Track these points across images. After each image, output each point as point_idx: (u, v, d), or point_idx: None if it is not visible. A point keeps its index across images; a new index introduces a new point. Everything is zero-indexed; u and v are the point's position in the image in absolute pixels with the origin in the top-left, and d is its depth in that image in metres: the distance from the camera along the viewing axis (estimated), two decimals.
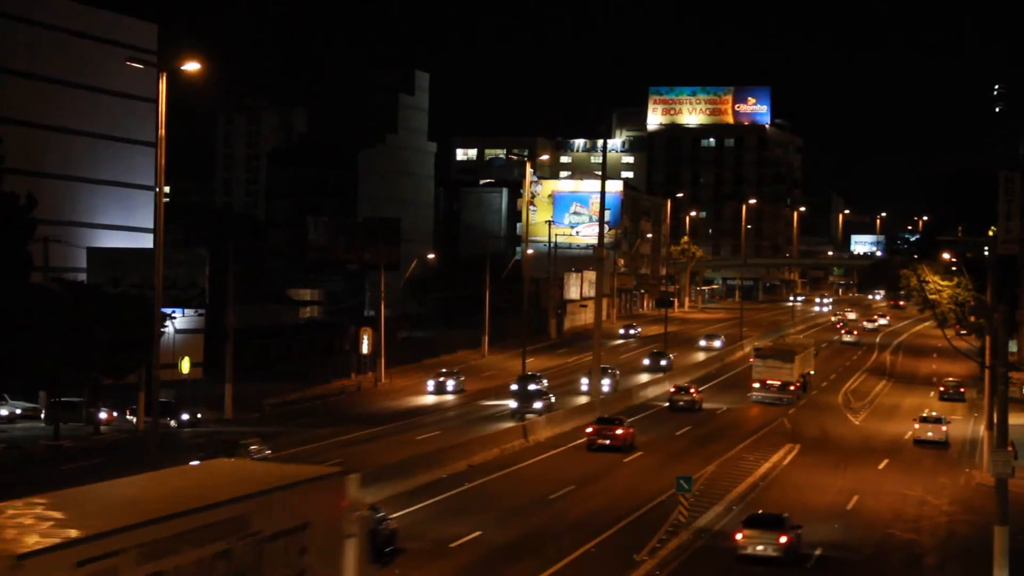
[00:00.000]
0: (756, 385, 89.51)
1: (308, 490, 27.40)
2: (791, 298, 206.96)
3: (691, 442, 71.12)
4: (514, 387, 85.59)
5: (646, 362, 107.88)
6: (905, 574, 43.58)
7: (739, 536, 43.51)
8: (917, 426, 72.99)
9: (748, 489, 56.75)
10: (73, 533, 21.00)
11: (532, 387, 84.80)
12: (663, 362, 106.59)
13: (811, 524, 50.08)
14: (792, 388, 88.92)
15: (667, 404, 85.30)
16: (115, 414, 76.43)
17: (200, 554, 22.85)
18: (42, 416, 76.88)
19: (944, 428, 72.31)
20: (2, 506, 22.87)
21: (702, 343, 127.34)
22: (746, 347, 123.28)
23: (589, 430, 67.75)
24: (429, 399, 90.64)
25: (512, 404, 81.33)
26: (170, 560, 22.09)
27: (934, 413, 76.85)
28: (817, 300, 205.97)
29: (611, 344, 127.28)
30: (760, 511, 46.92)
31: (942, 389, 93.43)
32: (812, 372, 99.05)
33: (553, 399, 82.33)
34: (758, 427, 76.81)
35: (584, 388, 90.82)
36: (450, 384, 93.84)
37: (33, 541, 20.30)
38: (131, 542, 21.34)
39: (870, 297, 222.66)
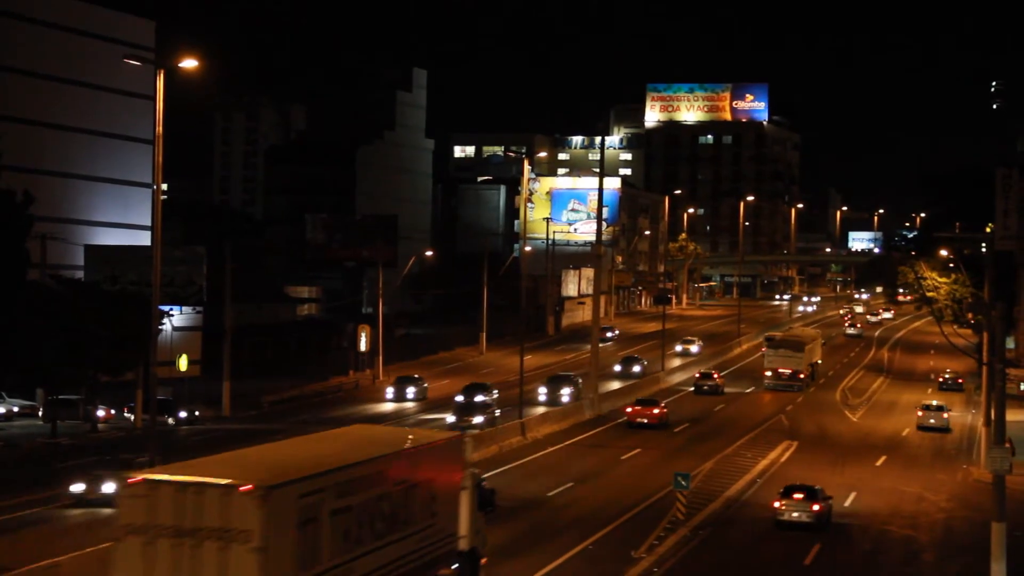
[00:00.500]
0: (768, 374, 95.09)
1: (439, 450, 34.13)
2: (777, 297, 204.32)
3: (688, 440, 71.15)
4: (459, 398, 78.78)
5: (617, 368, 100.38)
6: (903, 570, 43.61)
7: (777, 504, 48.19)
8: (920, 413, 77.28)
9: (746, 486, 56.80)
10: (292, 474, 26.71)
11: (479, 398, 78.20)
12: (636, 368, 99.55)
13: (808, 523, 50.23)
14: (802, 376, 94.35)
15: (691, 389, 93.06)
16: (113, 412, 76.47)
17: (370, 495, 29.28)
18: (40, 414, 76.87)
19: (945, 415, 76.44)
20: (223, 456, 31.60)
21: (678, 348, 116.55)
22: (744, 344, 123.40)
23: (629, 410, 75.85)
24: (387, 406, 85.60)
25: (450, 418, 73.24)
26: (353, 498, 28.49)
27: (935, 402, 79.90)
28: (805, 299, 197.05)
29: (586, 347, 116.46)
30: (796, 483, 50.63)
31: (941, 380, 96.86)
32: (819, 361, 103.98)
33: (498, 412, 74.74)
34: (757, 423, 76.82)
35: (542, 398, 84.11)
36: (410, 391, 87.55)
37: (269, 477, 25.97)
38: (331, 482, 27.57)
39: (856, 296, 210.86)
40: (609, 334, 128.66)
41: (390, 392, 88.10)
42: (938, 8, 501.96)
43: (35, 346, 67.92)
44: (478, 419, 71.47)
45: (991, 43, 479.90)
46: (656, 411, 74.90)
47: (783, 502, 48.09)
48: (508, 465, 61.36)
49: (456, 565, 34.18)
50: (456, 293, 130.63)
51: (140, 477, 26.63)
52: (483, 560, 36.15)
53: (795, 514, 47.71)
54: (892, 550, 46.33)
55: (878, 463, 65.29)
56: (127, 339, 70.32)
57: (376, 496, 29.71)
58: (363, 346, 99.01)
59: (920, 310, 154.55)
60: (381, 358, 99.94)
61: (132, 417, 76.26)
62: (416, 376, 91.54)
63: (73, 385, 74.49)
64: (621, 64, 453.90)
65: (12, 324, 67.57)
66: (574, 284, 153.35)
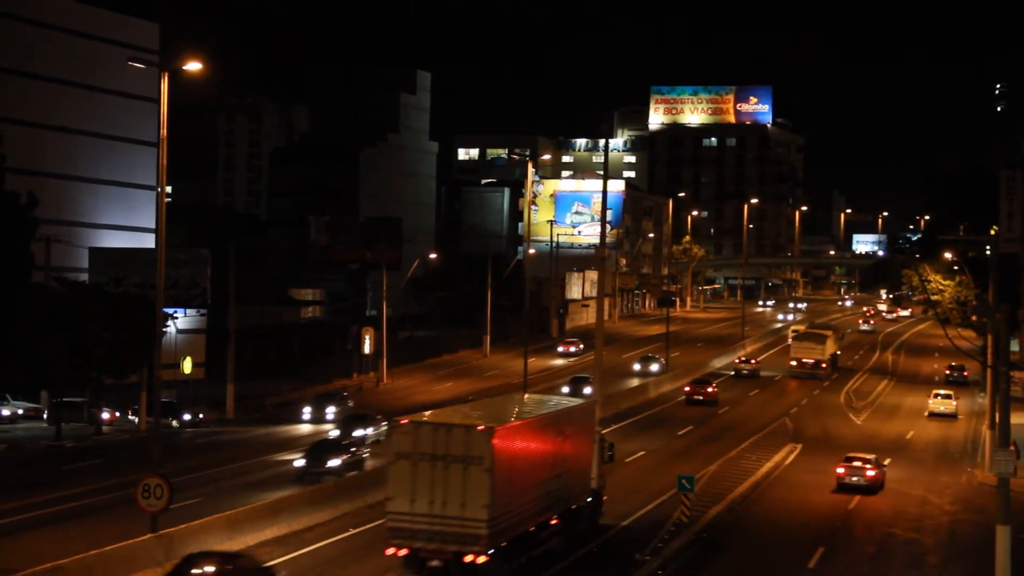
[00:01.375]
0: (793, 363, 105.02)
1: (583, 411, 46.56)
2: (760, 303, 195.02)
3: (692, 443, 71.14)
4: (333, 433, 67.45)
5: (565, 390, 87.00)
6: (907, 573, 43.55)
7: (840, 470, 57.03)
8: (931, 401, 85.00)
9: (750, 489, 56.77)
10: (505, 420, 39.06)
11: (358, 432, 65.97)
12: (586, 389, 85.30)
13: (814, 524, 50.21)
14: (824, 365, 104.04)
15: (732, 373, 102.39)
16: (117, 414, 76.49)
17: (552, 434, 41.78)
18: (44, 416, 76.87)
19: (954, 403, 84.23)
20: (455, 407, 48.29)
21: (636, 367, 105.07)
22: (748, 347, 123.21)
23: (687, 389, 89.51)
24: (304, 428, 76.66)
25: (298, 462, 57.37)
26: (544, 435, 41.21)
27: (944, 391, 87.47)
28: (791, 305, 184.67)
29: (547, 364, 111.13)
30: (855, 453, 60.31)
31: (947, 372, 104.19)
32: (839, 353, 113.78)
33: (366, 454, 59.42)
34: (759, 427, 76.80)
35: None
36: (330, 411, 78.30)
37: (493, 422, 37.78)
38: (526, 426, 40.22)
39: (839, 304, 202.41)
40: (573, 349, 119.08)
41: (307, 412, 79.40)
42: (942, 10, 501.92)
43: (39, 348, 67.98)
44: (334, 462, 56.29)
45: (996, 45, 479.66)
46: (710, 389, 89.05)
47: (846, 467, 56.97)
48: None
49: (590, 499, 46.09)
50: (460, 295, 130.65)
51: (407, 420, 37.85)
52: (604, 497, 48.01)
53: (854, 478, 56.49)
54: (897, 553, 46.25)
55: (884, 464, 65.21)
56: (131, 341, 70.35)
57: (549, 440, 41.67)
58: (367, 348, 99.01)
59: (926, 313, 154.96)
60: (385, 360, 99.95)
61: (136, 420, 76.27)
62: (342, 393, 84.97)
63: (77, 387, 74.53)
64: (625, 67, 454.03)
65: (16, 326, 67.62)
66: (578, 287, 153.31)
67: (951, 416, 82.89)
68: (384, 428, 67.74)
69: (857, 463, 57.29)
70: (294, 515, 46.32)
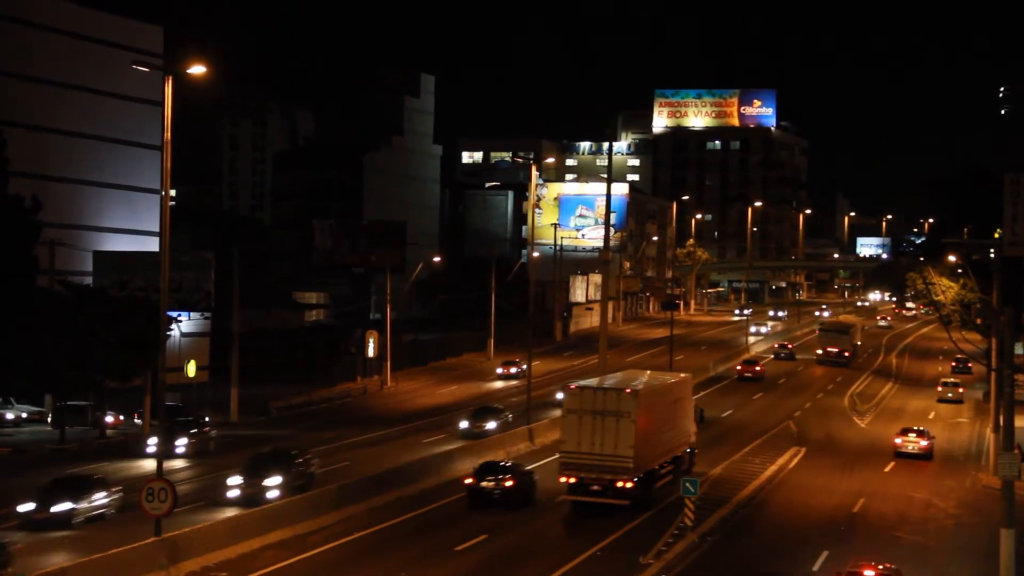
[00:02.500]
0: (819, 352, 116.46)
1: (687, 382, 63.34)
2: (736, 311, 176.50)
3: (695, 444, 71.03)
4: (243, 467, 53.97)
5: (463, 425, 73.87)
6: None
7: (898, 440, 68.18)
8: (939, 388, 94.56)
9: (754, 492, 56.74)
10: (641, 386, 54.21)
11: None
12: (490, 424, 73.24)
13: (818, 527, 50.18)
14: (846, 354, 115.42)
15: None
16: (122, 418, 76.45)
17: (670, 399, 57.32)
18: (48, 420, 76.84)
19: (960, 390, 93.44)
20: (605, 376, 62.93)
21: (462, 425, 74.15)
22: (752, 351, 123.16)
23: (738, 367, 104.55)
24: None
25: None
26: (662, 401, 55.88)
27: (952, 379, 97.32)
28: (771, 313, 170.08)
29: (486, 387, 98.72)
30: (909, 426, 71.37)
31: (953, 364, 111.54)
32: (859, 343, 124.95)
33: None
34: (759, 432, 76.72)
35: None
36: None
37: (636, 386, 53.34)
38: (656, 391, 55.56)
39: (816, 314, 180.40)
40: (515, 370, 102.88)
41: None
42: (948, 14, 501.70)
43: (43, 352, 67.97)
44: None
45: (1001, 48, 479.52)
46: (758, 368, 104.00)
47: (902, 439, 67.89)
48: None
49: (688, 450, 60.67)
50: (464, 299, 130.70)
51: (575, 385, 53.40)
52: (696, 451, 62.16)
53: (909, 447, 67.27)
54: (902, 556, 46.20)
55: (887, 469, 65.19)
56: (135, 345, 70.33)
57: (672, 400, 57.76)
58: (371, 352, 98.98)
59: (917, 319, 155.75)
60: (389, 364, 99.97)
61: (141, 423, 76.27)
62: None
63: (81, 391, 74.53)
64: (629, 70, 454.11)
65: (21, 330, 67.63)
66: (582, 290, 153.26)
67: (957, 402, 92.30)
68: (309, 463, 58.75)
69: (912, 435, 68.05)
70: (298, 519, 46.34)
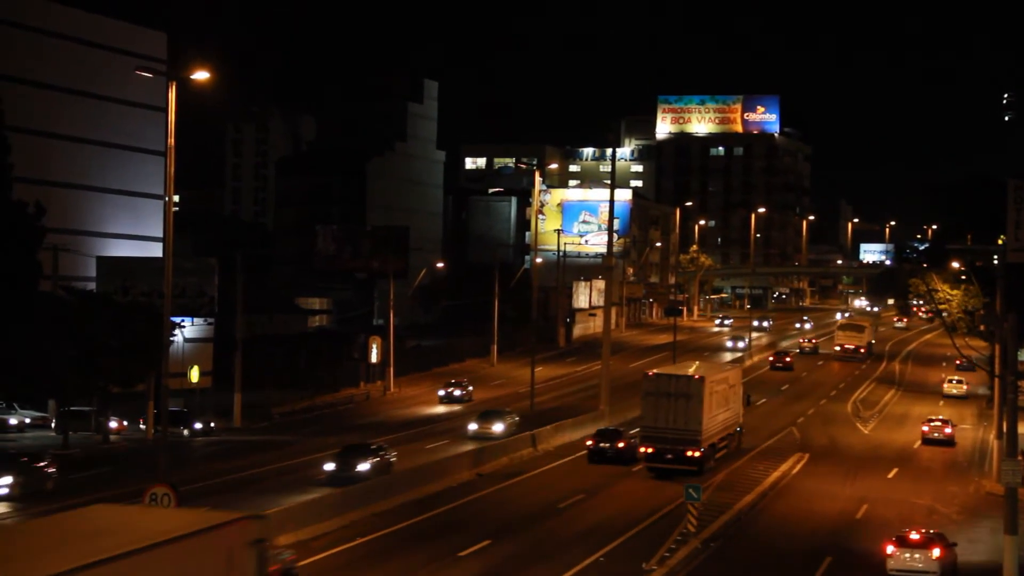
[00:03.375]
0: (837, 347, 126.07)
1: (739, 370, 76.32)
2: (717, 321, 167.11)
3: None
4: None
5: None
6: None
7: (924, 428, 76.83)
8: (945, 385, 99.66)
9: (757, 498, 56.72)
10: (703, 372, 64.89)
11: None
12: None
13: (821, 534, 50.13)
14: (862, 350, 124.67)
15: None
16: (126, 423, 76.38)
17: (727, 383, 67.72)
18: (52, 425, 76.75)
19: (965, 386, 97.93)
20: (675, 364, 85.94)
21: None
22: (755, 356, 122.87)
23: (771, 358, 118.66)
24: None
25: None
26: (720, 387, 65.53)
27: (957, 378, 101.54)
28: (755, 323, 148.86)
29: (423, 413, 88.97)
30: (934, 415, 79.86)
31: (958, 363, 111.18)
32: (873, 342, 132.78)
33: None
34: (763, 437, 76.72)
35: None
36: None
37: (699, 373, 64.40)
38: (716, 378, 66.06)
39: (797, 326, 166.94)
40: (458, 393, 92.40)
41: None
42: (951, 21, 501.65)
43: (46, 357, 67.97)
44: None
45: (1003, 55, 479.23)
46: (788, 359, 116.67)
47: (929, 426, 76.56)
48: (518, 477, 61.40)
49: (738, 428, 70.47)
50: (467, 304, 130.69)
51: (652, 372, 65.21)
52: (742, 430, 72.02)
53: (935, 435, 75.85)
54: None
55: (889, 475, 65.16)
56: (138, 350, 70.34)
57: (725, 387, 66.97)
58: (374, 357, 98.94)
59: (933, 321, 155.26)
60: (392, 369, 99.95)
61: (146, 428, 76.24)
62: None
63: (84, 396, 74.50)
64: (632, 76, 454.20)
65: (24, 335, 67.64)
66: (585, 296, 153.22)
67: (963, 397, 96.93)
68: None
69: (936, 423, 76.60)
70: (301, 524, 46.32)
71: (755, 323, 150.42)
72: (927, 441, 75.25)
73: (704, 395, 61.85)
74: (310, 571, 41.98)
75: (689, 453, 61.37)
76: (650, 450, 62.12)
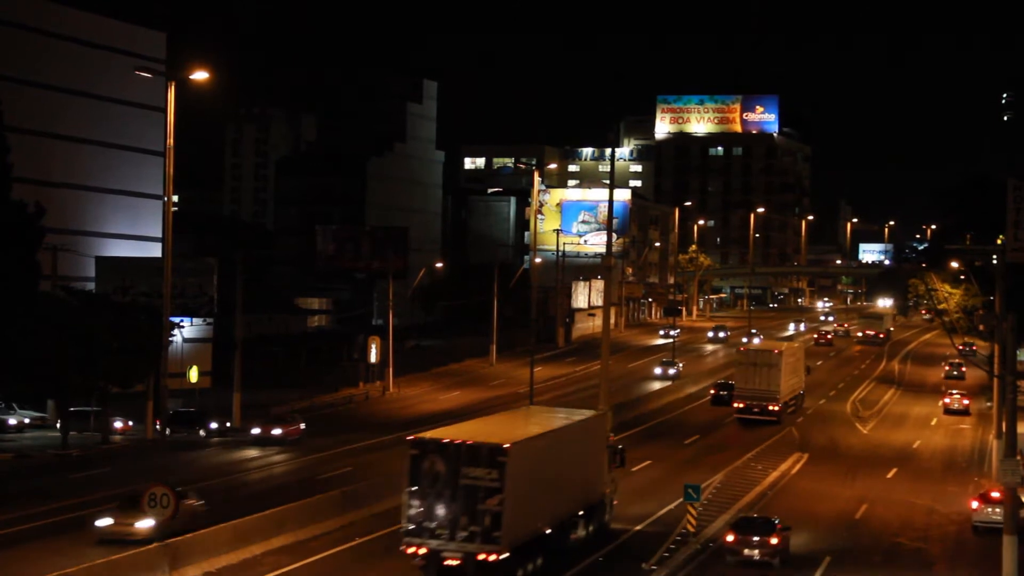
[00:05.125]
0: (860, 334, 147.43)
1: (802, 347, 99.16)
2: (662, 332, 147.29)
3: (698, 452, 71.10)
4: None
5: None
6: None
7: (946, 400, 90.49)
8: (946, 400, 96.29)
9: (756, 498, 56.71)
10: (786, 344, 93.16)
11: None
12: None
13: (820, 532, 50.13)
14: (881, 336, 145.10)
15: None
16: (131, 423, 76.20)
17: (796, 359, 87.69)
18: (57, 425, 76.30)
19: (966, 401, 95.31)
20: (760, 343, 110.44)
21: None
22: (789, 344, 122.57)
23: (815, 336, 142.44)
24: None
25: None
26: (793, 359, 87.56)
27: (956, 360, 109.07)
28: (711, 335, 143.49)
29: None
30: (953, 389, 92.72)
31: (961, 347, 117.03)
32: (892, 329, 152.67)
33: None
34: (763, 437, 76.76)
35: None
36: None
37: (780, 346, 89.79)
38: (791, 347, 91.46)
39: (775, 337, 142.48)
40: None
41: None
42: (951, 20, 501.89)
43: (46, 357, 67.92)
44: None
45: (1003, 55, 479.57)
46: (829, 336, 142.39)
47: (949, 398, 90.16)
48: None
49: (801, 392, 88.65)
50: (466, 304, 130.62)
51: (743, 347, 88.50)
52: (804, 394, 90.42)
53: (955, 405, 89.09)
54: (904, 562, 46.21)
55: (889, 475, 65.14)
56: (137, 350, 70.26)
57: (794, 360, 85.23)
58: (373, 357, 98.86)
59: (932, 322, 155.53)
60: (391, 369, 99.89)
61: (159, 428, 76.12)
62: None
63: (84, 396, 74.44)
64: (631, 76, 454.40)
65: (23, 335, 67.60)
66: (584, 296, 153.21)
67: (959, 378, 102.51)
68: None
69: (956, 395, 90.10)
70: (300, 524, 46.34)
71: (709, 334, 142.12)
72: (948, 411, 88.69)
73: (782, 365, 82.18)
74: (310, 571, 42.00)
75: (771, 407, 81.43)
76: (741, 405, 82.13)
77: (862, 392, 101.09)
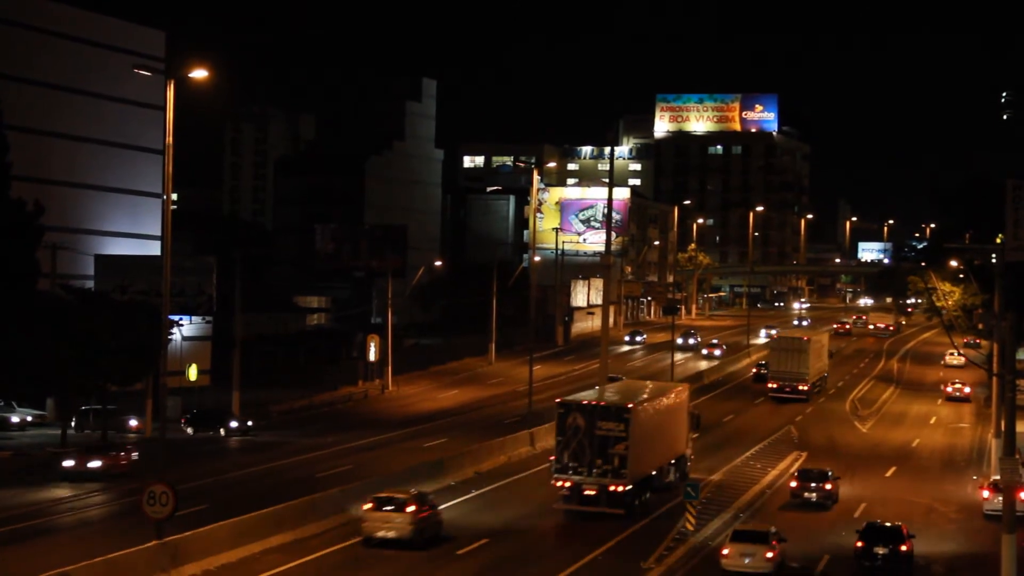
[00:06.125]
0: (871, 327, 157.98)
1: (827, 336, 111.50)
2: (627, 339, 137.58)
3: (697, 451, 71.05)
4: None
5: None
6: None
7: (948, 389, 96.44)
8: (947, 357, 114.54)
9: (755, 496, 56.75)
10: (814, 333, 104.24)
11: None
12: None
13: (819, 531, 50.16)
14: (891, 328, 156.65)
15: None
16: (142, 422, 75.94)
17: (822, 345, 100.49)
18: (73, 423, 75.87)
19: (967, 390, 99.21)
20: (790, 330, 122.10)
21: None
22: (753, 355, 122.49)
23: (835, 326, 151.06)
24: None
25: None
26: (819, 345, 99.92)
27: (959, 349, 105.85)
28: (680, 341, 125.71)
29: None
30: (954, 378, 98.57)
31: (965, 341, 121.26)
32: (904, 322, 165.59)
33: None
34: (760, 436, 76.70)
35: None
36: None
37: (809, 334, 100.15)
38: (818, 335, 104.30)
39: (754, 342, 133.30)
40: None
41: None
42: (951, 20, 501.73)
43: (45, 355, 67.90)
44: None
45: (1004, 55, 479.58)
46: (848, 325, 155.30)
47: (952, 387, 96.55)
48: (516, 476, 61.45)
49: (825, 375, 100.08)
50: (465, 303, 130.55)
51: (776, 334, 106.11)
52: (827, 376, 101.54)
53: (956, 393, 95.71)
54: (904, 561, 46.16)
55: (888, 474, 65.17)
56: (136, 349, 70.25)
57: (820, 346, 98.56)
58: (372, 356, 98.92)
59: (931, 320, 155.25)
60: (390, 368, 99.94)
61: (186, 427, 76.15)
62: None
63: (83, 395, 74.42)
64: (630, 74, 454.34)
65: (22, 333, 67.58)
66: (583, 294, 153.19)
67: (965, 400, 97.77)
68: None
69: (957, 384, 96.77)
70: (299, 523, 46.34)
71: (679, 339, 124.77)
72: (950, 399, 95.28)
73: (810, 350, 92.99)
74: (309, 570, 42.04)
75: (801, 387, 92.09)
76: (775, 385, 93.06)
77: (861, 391, 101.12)
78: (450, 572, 42.43)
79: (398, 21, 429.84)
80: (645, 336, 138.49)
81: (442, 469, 58.82)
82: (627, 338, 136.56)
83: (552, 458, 52.28)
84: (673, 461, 58.08)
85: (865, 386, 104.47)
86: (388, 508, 44.72)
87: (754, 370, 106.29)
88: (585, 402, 52.06)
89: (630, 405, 51.34)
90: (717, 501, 54.04)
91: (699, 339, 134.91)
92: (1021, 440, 55.23)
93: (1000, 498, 46.46)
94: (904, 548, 43.80)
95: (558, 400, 53.06)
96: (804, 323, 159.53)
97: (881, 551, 43.61)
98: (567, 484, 50.77)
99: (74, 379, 70.08)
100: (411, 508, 44.70)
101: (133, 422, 74.82)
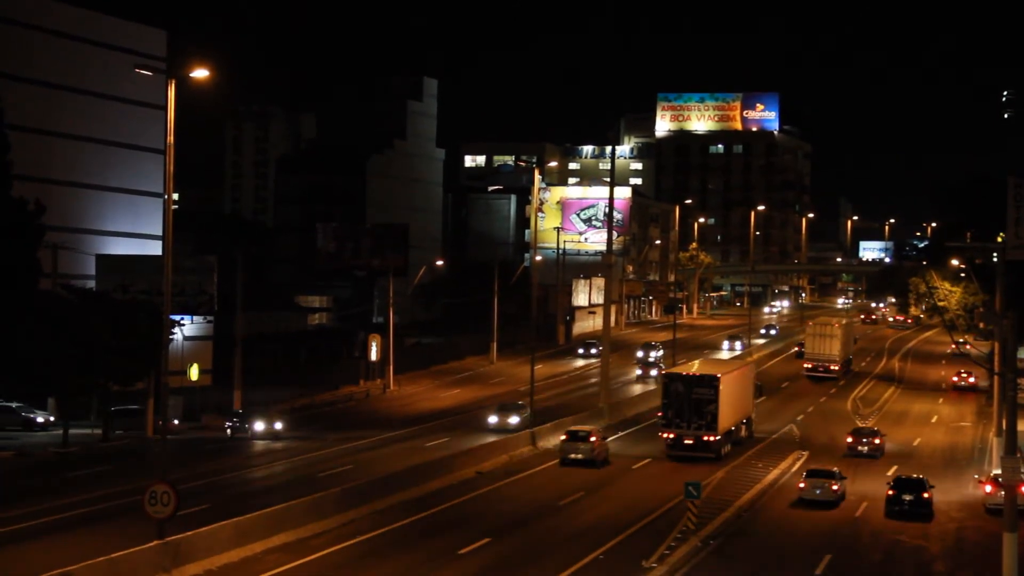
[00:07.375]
0: (890, 319, 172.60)
1: (854, 321, 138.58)
2: (580, 352, 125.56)
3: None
4: None
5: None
6: None
7: (955, 378, 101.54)
8: (955, 379, 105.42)
9: (757, 495, 56.72)
10: (843, 321, 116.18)
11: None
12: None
13: (821, 531, 50.14)
14: (909, 321, 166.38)
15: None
16: (174, 421, 75.86)
17: (851, 330, 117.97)
18: (95, 424, 75.86)
19: (972, 379, 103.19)
20: (815, 319, 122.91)
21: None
22: (754, 355, 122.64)
23: (862, 317, 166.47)
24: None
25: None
26: (849, 331, 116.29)
27: (964, 370, 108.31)
28: (643, 350, 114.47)
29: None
30: (962, 368, 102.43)
31: (956, 343, 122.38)
32: (922, 316, 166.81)
33: None
34: (761, 436, 76.73)
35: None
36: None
37: (839, 320, 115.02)
38: (846, 322, 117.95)
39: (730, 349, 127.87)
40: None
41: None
42: (952, 19, 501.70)
43: (46, 355, 67.93)
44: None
45: (1005, 54, 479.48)
46: (874, 316, 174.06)
47: (958, 377, 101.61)
48: (517, 475, 61.41)
49: (850, 357, 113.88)
50: (467, 302, 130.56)
51: (811, 322, 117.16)
52: (852, 359, 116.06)
53: (963, 383, 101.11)
54: (904, 561, 46.23)
55: (889, 473, 65.07)
56: (138, 348, 70.31)
57: (847, 332, 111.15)
58: (374, 355, 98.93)
59: (932, 319, 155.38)
60: (392, 367, 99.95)
61: (198, 425, 76.21)
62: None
63: (84, 394, 74.45)
64: (632, 73, 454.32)
65: (23, 333, 67.61)
66: (584, 293, 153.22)
67: (972, 390, 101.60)
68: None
69: (964, 374, 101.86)
70: (300, 522, 46.31)
71: (639, 352, 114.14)
72: (956, 388, 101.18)
73: (840, 334, 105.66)
74: (311, 569, 42.01)
75: (833, 367, 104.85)
76: (810, 365, 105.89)
77: (862, 390, 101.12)
78: (451, 572, 42.39)
79: (399, 20, 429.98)
80: (661, 352, 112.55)
81: (444, 469, 58.81)
82: (640, 353, 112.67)
83: (659, 414, 68.51)
84: (744, 421, 73.17)
85: (867, 385, 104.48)
86: (577, 440, 63.15)
87: (796, 348, 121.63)
88: (685, 373, 68.03)
89: (719, 375, 66.30)
90: (717, 501, 53.95)
91: (661, 353, 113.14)
92: (1022, 439, 55.15)
93: (1001, 493, 46.89)
94: (926, 495, 53.53)
95: (664, 371, 75.15)
96: (772, 331, 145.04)
97: (908, 497, 53.20)
98: (671, 436, 65.92)
99: (75, 379, 70.11)
100: (593, 439, 63.69)
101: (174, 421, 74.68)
